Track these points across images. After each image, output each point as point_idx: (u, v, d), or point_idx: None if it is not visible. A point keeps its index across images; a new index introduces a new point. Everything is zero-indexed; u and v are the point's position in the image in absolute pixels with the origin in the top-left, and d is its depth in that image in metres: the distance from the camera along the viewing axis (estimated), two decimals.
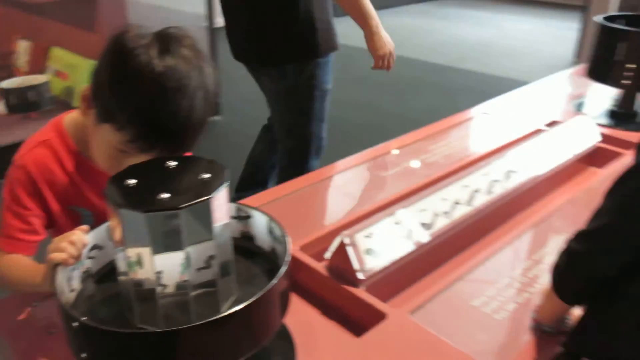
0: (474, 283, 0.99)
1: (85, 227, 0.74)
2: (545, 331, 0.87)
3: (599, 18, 1.73)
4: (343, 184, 1.36)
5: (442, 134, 1.62)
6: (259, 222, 0.79)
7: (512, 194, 1.23)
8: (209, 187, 0.65)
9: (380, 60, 1.82)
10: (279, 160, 2.02)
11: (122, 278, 0.69)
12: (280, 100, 1.87)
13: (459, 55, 5.23)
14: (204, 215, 0.64)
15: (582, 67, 2.25)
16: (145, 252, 0.64)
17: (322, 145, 1.93)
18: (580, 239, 0.77)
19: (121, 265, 0.68)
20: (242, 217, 0.81)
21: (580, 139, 1.50)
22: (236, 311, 0.61)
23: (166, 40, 0.80)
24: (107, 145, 0.84)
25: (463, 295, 0.96)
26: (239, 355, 0.66)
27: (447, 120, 1.72)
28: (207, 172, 0.67)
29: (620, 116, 1.73)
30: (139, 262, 0.65)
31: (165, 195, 0.63)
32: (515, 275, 1.02)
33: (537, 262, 1.05)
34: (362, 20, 1.75)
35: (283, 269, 0.68)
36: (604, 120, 1.69)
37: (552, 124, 1.64)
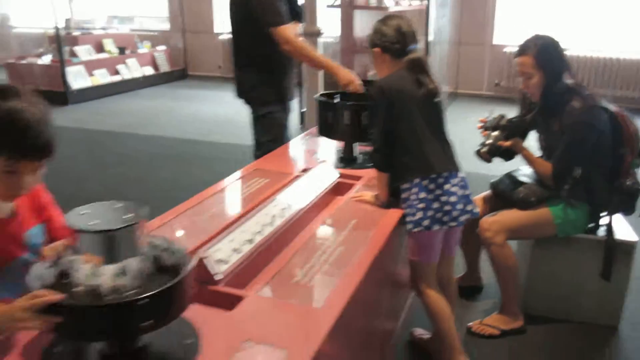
0: (292, 268, 1.51)
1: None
2: (384, 206, 1.81)
3: (317, 96, 2.48)
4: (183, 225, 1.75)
5: (226, 190, 2.13)
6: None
7: (291, 219, 1.80)
8: (135, 220, 1.02)
9: (348, 84, 2.55)
10: None
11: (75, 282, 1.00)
12: None
13: (205, 129, 5.87)
14: (133, 236, 1.02)
15: (311, 129, 3.03)
16: (95, 263, 0.99)
17: None
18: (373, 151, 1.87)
19: (79, 275, 1.00)
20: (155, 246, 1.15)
21: (326, 178, 2.16)
22: (154, 294, 0.97)
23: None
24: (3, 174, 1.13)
25: (287, 277, 1.46)
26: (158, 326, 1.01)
27: (230, 178, 2.24)
28: (129, 212, 1.04)
29: (345, 160, 2.48)
30: (92, 272, 0.99)
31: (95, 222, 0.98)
32: (310, 264, 1.56)
33: (317, 257, 1.62)
34: (323, 67, 2.72)
35: (185, 271, 1.05)
36: (337, 164, 2.41)
37: (304, 170, 2.29)
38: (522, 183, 2.41)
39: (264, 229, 1.64)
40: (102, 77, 7.60)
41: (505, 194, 2.44)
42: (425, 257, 1.97)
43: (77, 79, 7.17)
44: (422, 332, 2.35)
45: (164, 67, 8.90)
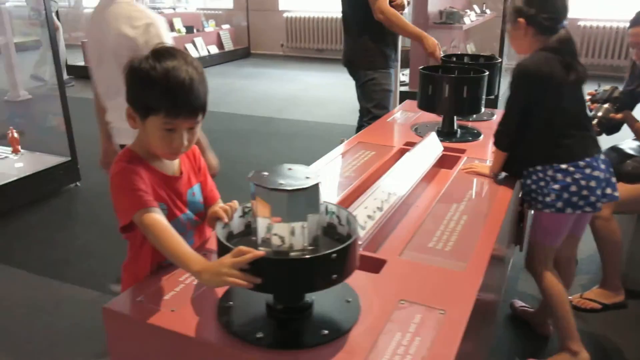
0: (423, 235, 1.54)
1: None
2: (497, 178, 1.82)
3: (421, 68, 2.48)
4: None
5: (336, 162, 2.18)
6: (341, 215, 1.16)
7: (411, 188, 1.83)
8: (315, 179, 1.06)
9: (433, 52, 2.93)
10: None
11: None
12: None
13: (277, 107, 5.97)
14: (315, 195, 1.06)
15: (405, 102, 3.04)
16: (278, 220, 1.04)
17: None
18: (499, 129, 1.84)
19: (260, 230, 1.06)
20: (327, 212, 1.19)
21: (433, 151, 2.17)
22: (333, 252, 1.00)
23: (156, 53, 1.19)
24: (159, 132, 1.19)
25: (422, 242, 1.50)
26: (334, 282, 1.05)
27: (335, 151, 2.29)
28: (308, 174, 1.07)
29: (444, 134, 2.48)
30: (273, 228, 1.04)
31: (281, 182, 1.03)
32: (439, 230, 1.59)
33: (444, 225, 1.65)
34: (412, 36, 3.03)
35: (353, 237, 1.06)
36: None
37: (407, 144, 2.31)
38: (630, 156, 2.36)
39: (390, 197, 1.68)
40: None
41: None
42: (550, 240, 1.95)
43: None
44: (522, 305, 2.35)
45: (229, 46, 9.04)
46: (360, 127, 3.35)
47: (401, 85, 5.41)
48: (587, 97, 2.41)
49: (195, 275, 1.07)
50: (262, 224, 1.06)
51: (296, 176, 1.06)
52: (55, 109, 3.74)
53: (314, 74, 7.79)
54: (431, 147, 2.19)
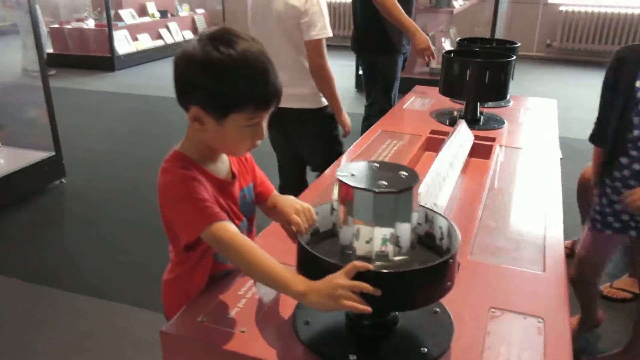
0: (484, 232, 1.44)
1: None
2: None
3: (444, 52, 2.36)
4: None
5: (366, 152, 2.05)
6: (441, 224, 1.03)
7: (458, 180, 1.72)
8: (409, 181, 0.93)
9: (423, 50, 2.85)
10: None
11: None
12: None
13: None
14: (408, 201, 0.94)
15: (416, 87, 2.93)
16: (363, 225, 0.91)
17: None
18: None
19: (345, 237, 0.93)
20: (427, 220, 1.06)
21: (467, 140, 2.07)
22: (434, 265, 0.88)
23: (220, 37, 0.98)
24: (240, 130, 1.02)
25: (485, 241, 1.40)
26: (430, 300, 0.95)
27: (361, 141, 2.16)
28: (404, 172, 0.96)
29: (468, 121, 2.37)
30: (360, 234, 0.92)
31: (383, 183, 0.90)
32: (497, 226, 1.49)
33: (504, 222, 1.54)
34: (404, 28, 2.85)
35: (452, 251, 0.92)
36: None
37: (433, 132, 2.20)
38: None
39: (442, 190, 1.56)
40: (145, 41, 7.48)
41: None
42: (602, 255, 1.91)
43: (122, 43, 7.06)
44: None
45: None
46: (366, 115, 3.25)
47: None
48: None
49: (297, 297, 0.92)
50: (370, 233, 0.92)
51: (389, 175, 0.94)
52: (37, 99, 3.48)
53: None
54: (464, 136, 2.09)
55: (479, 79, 2.25)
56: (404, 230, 0.94)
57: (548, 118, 2.52)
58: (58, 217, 3.32)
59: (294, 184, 2.57)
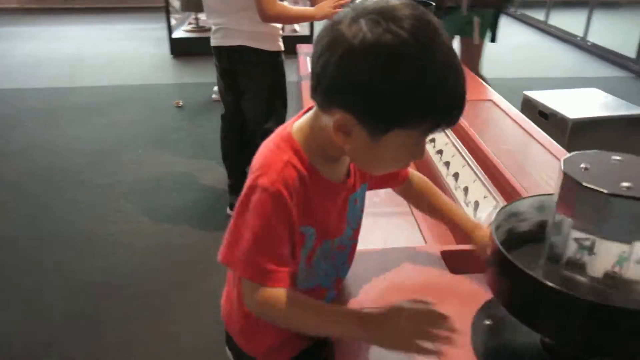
0: None
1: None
2: None
3: None
4: None
5: None
6: None
7: None
8: None
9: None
10: None
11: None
12: None
13: (58, 74, 4.81)
14: None
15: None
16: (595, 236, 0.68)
17: None
18: None
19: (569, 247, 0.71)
20: None
21: None
22: None
23: (388, 15, 0.68)
24: (398, 150, 0.75)
25: None
26: None
27: None
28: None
29: None
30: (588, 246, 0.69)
31: (627, 184, 0.65)
32: None
33: None
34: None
35: None
36: None
37: None
38: None
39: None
40: None
41: None
42: None
43: None
44: None
45: None
46: None
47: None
48: None
49: (372, 338, 0.78)
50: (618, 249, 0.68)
51: (631, 174, 0.69)
52: None
53: (71, 28, 6.39)
54: None
55: None
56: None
57: None
58: None
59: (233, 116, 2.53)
